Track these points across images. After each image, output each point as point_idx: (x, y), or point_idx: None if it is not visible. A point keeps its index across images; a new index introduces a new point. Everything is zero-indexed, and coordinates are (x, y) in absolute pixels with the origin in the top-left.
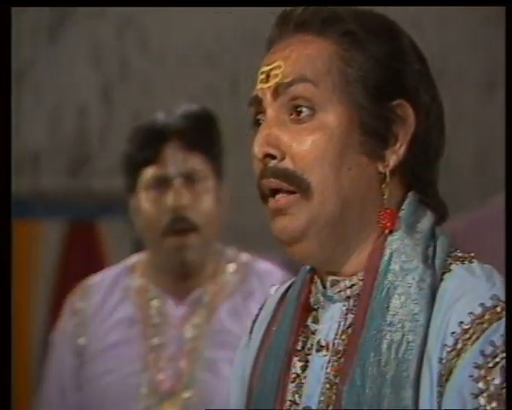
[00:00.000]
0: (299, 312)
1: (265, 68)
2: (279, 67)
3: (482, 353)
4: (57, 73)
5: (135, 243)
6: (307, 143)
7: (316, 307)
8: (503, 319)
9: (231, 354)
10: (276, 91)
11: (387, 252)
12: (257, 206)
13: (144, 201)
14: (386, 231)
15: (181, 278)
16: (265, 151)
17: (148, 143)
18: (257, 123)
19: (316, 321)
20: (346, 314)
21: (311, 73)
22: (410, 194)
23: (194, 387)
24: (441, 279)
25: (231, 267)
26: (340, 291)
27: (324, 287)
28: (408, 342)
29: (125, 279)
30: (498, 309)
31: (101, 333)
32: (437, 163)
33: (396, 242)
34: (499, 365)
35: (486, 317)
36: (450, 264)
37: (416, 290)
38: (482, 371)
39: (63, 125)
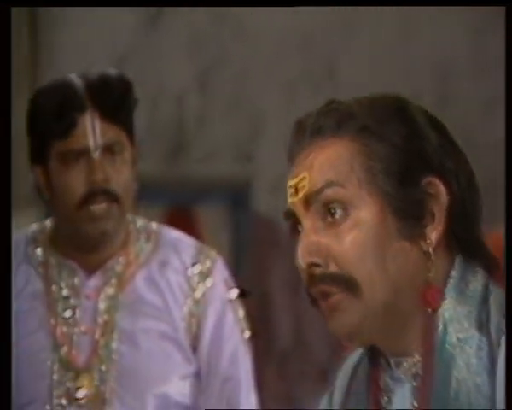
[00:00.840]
0: (372, 398)
1: (292, 182)
2: (305, 178)
3: None
4: (156, 61)
5: (234, 227)
6: (346, 243)
7: (387, 389)
8: None
9: (149, 325)
10: (307, 202)
11: (441, 324)
12: None
13: (59, 172)
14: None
15: (92, 249)
16: (309, 261)
17: (65, 113)
18: (295, 232)
19: (389, 403)
20: (417, 392)
21: (335, 176)
22: (457, 259)
23: (111, 360)
24: (499, 344)
25: (142, 236)
26: (406, 371)
27: (389, 365)
28: None
29: (28, 251)
30: None
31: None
32: (478, 219)
33: (448, 312)
34: None
35: None
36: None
37: (476, 361)
38: None
39: (161, 112)
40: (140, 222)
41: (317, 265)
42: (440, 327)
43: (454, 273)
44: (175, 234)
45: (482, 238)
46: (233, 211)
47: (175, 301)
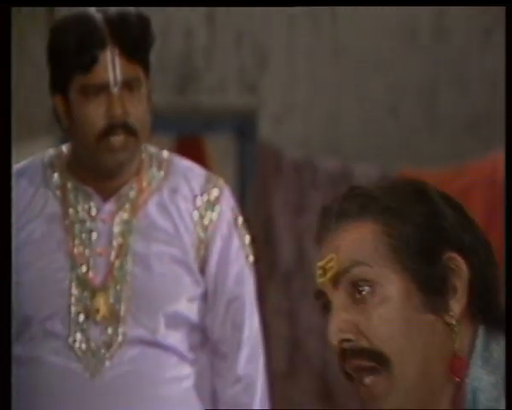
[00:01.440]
0: None
1: (321, 263)
2: (332, 259)
3: None
4: None
5: (240, 155)
6: (374, 318)
7: None
8: None
9: (161, 249)
10: (336, 281)
11: (470, 393)
12: (352, 118)
13: (79, 104)
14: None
15: (108, 176)
16: (340, 338)
17: (87, 48)
18: (326, 310)
19: None
20: None
21: (361, 256)
22: (480, 329)
23: (125, 280)
24: None
25: (154, 164)
26: None
27: None
28: None
29: (46, 175)
30: None
31: (24, 226)
32: (498, 290)
33: (477, 381)
34: None
35: None
36: None
37: None
38: None
39: (171, 46)
40: (152, 150)
41: (348, 340)
42: (470, 397)
43: (478, 343)
44: (185, 163)
45: (503, 308)
46: (239, 140)
47: (185, 227)
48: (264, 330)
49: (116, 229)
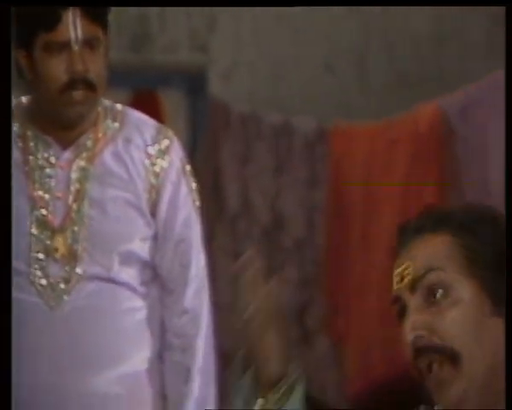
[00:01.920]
0: None
1: (398, 270)
2: (409, 266)
3: None
4: None
5: (191, 109)
6: (447, 319)
7: None
8: None
9: (116, 194)
10: (412, 287)
11: None
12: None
13: (43, 60)
14: None
15: (67, 127)
16: (413, 335)
17: (51, 8)
18: (403, 314)
19: None
20: None
21: (436, 262)
22: None
23: (82, 222)
24: None
25: (109, 116)
26: None
27: None
28: None
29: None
30: None
31: None
32: None
33: None
34: None
35: None
36: None
37: None
38: None
39: (128, 9)
40: (107, 103)
41: (422, 337)
42: None
43: None
44: (138, 115)
45: None
46: (190, 95)
47: (138, 174)
48: (212, 268)
49: (74, 175)
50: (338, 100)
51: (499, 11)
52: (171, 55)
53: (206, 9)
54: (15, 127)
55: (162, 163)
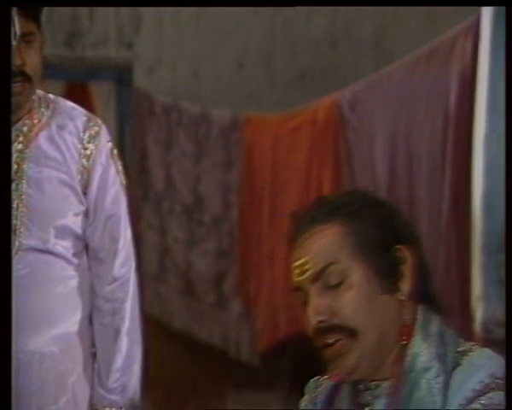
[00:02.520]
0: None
1: (297, 264)
2: (307, 261)
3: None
4: None
5: (119, 100)
6: (344, 301)
7: (368, 403)
8: (497, 392)
9: (52, 174)
10: (313, 279)
11: (409, 356)
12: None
13: None
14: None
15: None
16: (318, 319)
17: None
18: (305, 301)
19: None
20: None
21: (332, 256)
22: (420, 308)
23: (21, 199)
24: (451, 375)
25: (43, 105)
26: (382, 390)
27: (368, 389)
28: None
29: None
30: (493, 385)
31: None
32: (432, 277)
33: (416, 346)
34: None
35: (484, 390)
36: (459, 359)
37: (434, 385)
38: None
39: (59, 9)
40: (40, 93)
41: (323, 321)
42: (409, 358)
43: (419, 317)
44: (69, 103)
45: (436, 292)
46: (119, 87)
47: (71, 157)
48: (139, 241)
49: (13, 158)
50: (249, 94)
51: (387, 10)
52: (101, 50)
53: (133, 10)
54: None
55: (92, 147)
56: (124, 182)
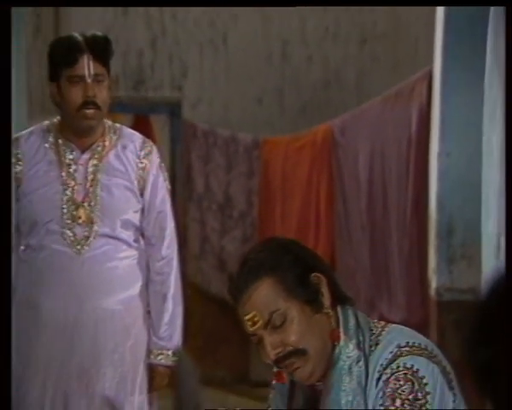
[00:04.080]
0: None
1: (247, 317)
2: (255, 315)
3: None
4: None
5: (171, 127)
6: (291, 333)
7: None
8: (404, 357)
9: (118, 181)
10: (263, 326)
11: (337, 351)
12: (240, 103)
13: (67, 88)
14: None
15: (83, 136)
16: (275, 352)
17: (71, 52)
18: (260, 341)
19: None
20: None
21: (273, 306)
22: (339, 309)
23: (96, 200)
24: (370, 356)
25: (112, 131)
26: (321, 385)
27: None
28: (357, 401)
29: (45, 136)
30: (398, 353)
31: (32, 169)
32: (340, 287)
33: (341, 343)
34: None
35: (392, 358)
36: (376, 341)
37: (357, 368)
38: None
39: (130, 60)
40: (110, 123)
41: (280, 352)
42: (336, 353)
43: (340, 317)
44: (130, 130)
45: (344, 293)
46: (171, 119)
47: (131, 169)
48: (186, 231)
49: (90, 169)
50: (265, 122)
51: (367, 60)
52: (159, 92)
53: (181, 61)
54: (51, 138)
55: (146, 162)
56: (169, 187)
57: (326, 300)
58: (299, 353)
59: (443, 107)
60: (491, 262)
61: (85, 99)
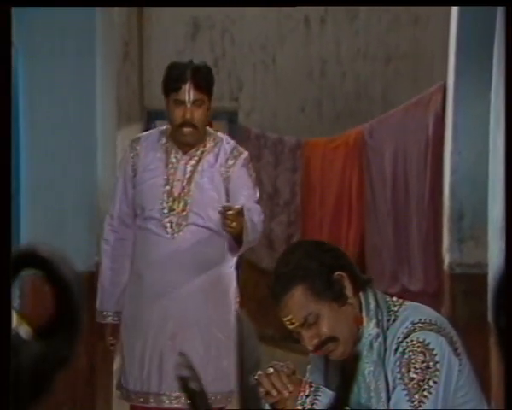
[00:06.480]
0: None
1: (286, 319)
2: (292, 318)
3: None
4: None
5: (229, 132)
6: (324, 327)
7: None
8: (417, 332)
9: (209, 180)
10: (300, 327)
11: (361, 331)
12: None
13: (172, 107)
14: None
15: (184, 145)
16: (313, 343)
17: (177, 82)
18: (300, 336)
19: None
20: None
21: (305, 310)
22: (360, 294)
23: (190, 195)
24: (388, 331)
25: (211, 138)
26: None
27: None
28: (378, 371)
29: (159, 138)
30: (412, 328)
31: (146, 163)
32: (358, 272)
33: (365, 326)
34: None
35: (407, 333)
36: (394, 317)
37: (376, 344)
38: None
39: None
40: (212, 131)
41: (318, 341)
42: (361, 331)
43: (362, 302)
44: (226, 137)
45: (364, 278)
46: (229, 125)
47: (221, 166)
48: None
49: (188, 169)
50: (307, 127)
51: (391, 74)
52: (219, 103)
53: (236, 77)
54: (163, 140)
55: (231, 163)
56: (256, 189)
57: (349, 291)
58: (332, 340)
59: (455, 114)
60: (495, 242)
61: (184, 120)
